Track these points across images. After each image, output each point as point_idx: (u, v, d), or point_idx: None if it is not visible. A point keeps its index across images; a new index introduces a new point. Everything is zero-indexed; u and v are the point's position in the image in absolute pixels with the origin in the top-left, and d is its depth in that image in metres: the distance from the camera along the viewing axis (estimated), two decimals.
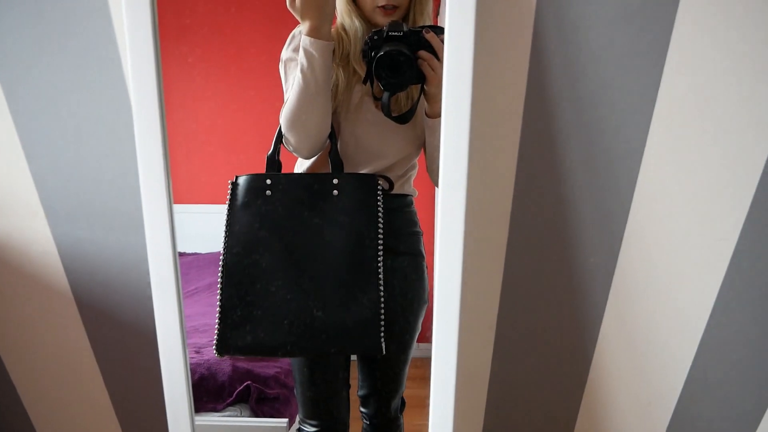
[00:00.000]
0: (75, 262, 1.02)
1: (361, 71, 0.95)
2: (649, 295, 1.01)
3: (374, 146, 0.98)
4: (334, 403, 1.10)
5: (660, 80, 0.84)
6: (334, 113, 0.97)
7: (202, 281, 1.34)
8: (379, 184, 0.93)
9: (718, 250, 0.94)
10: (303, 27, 0.86)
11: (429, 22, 0.96)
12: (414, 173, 1.06)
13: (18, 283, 1.05)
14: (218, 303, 0.92)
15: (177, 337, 0.89)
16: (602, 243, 0.96)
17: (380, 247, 0.91)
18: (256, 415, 1.34)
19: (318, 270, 0.91)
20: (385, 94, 0.90)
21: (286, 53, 0.94)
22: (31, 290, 1.06)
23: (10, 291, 1.06)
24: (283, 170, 0.97)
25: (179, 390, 0.91)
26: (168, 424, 0.94)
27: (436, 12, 2.13)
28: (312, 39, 0.85)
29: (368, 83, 0.92)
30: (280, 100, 0.91)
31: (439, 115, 0.90)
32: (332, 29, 1.00)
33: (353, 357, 1.15)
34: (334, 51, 0.95)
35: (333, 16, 0.86)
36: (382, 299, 0.90)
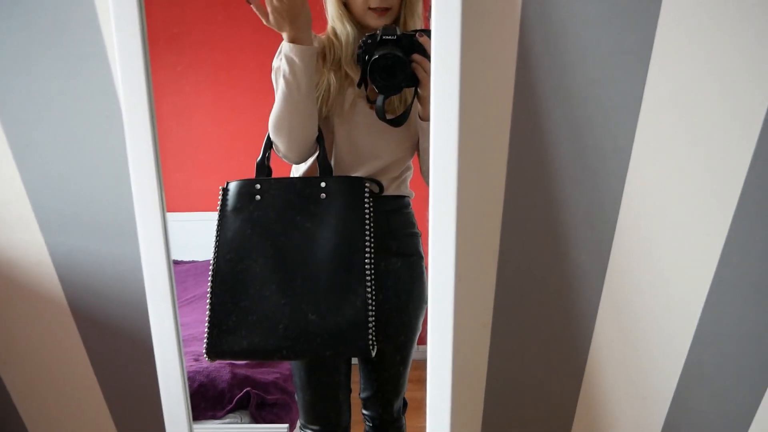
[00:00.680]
0: (70, 271, 1.02)
1: (354, 75, 0.96)
2: (642, 291, 1.01)
3: (368, 148, 0.99)
4: (334, 407, 1.10)
5: (646, 78, 0.85)
6: (327, 117, 0.97)
7: (199, 289, 1.33)
8: (366, 187, 0.93)
9: (709, 244, 0.95)
10: (283, 36, 0.87)
11: (420, 24, 0.97)
12: (410, 174, 1.07)
13: (12, 293, 1.05)
14: (209, 308, 0.92)
15: (173, 345, 0.90)
16: (594, 239, 0.97)
17: (368, 249, 0.91)
18: (257, 422, 1.34)
19: (310, 273, 0.91)
20: (380, 97, 0.90)
21: (276, 62, 0.94)
22: (26, 300, 1.06)
23: (4, 301, 1.06)
24: (279, 175, 0.98)
25: (176, 398, 0.91)
26: None
27: (427, 15, 2.15)
28: (291, 45, 0.85)
29: (362, 86, 0.93)
30: (271, 107, 0.92)
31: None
32: (323, 35, 1.01)
33: (354, 360, 1.15)
34: (324, 56, 0.97)
35: (311, 23, 0.87)
36: (371, 301, 0.90)
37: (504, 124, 0.91)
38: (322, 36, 1.01)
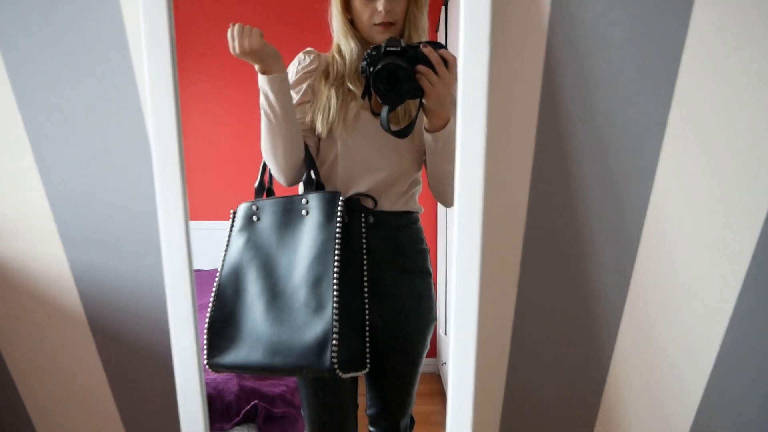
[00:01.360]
0: (89, 285, 1.02)
1: (357, 90, 0.98)
2: (663, 314, 1.00)
3: (371, 161, 0.99)
4: (340, 423, 1.09)
5: (671, 101, 0.85)
6: (330, 132, 0.98)
7: (206, 298, 1.34)
8: (340, 200, 0.93)
9: (732, 268, 0.94)
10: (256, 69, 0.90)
11: (425, 38, 0.98)
12: (418, 189, 1.07)
13: (32, 307, 1.05)
14: (207, 322, 0.97)
15: (193, 362, 0.89)
16: (616, 261, 0.97)
17: (336, 266, 0.91)
18: None
19: (290, 291, 0.93)
20: (384, 108, 0.91)
21: None
22: (45, 315, 1.05)
23: (24, 315, 1.05)
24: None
25: (196, 416, 0.91)
26: None
27: (435, 28, 2.16)
28: (262, 77, 0.89)
29: (366, 98, 0.93)
30: None
31: (437, 130, 0.92)
32: (328, 53, 1.02)
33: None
34: (328, 73, 0.99)
35: (277, 54, 0.90)
36: (336, 318, 0.89)
37: (528, 145, 0.91)
38: (327, 54, 1.02)
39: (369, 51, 0.90)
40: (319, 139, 1.02)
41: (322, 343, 0.89)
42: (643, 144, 0.88)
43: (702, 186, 0.90)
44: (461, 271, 0.84)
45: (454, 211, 0.84)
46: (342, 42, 1.00)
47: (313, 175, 0.97)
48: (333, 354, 0.88)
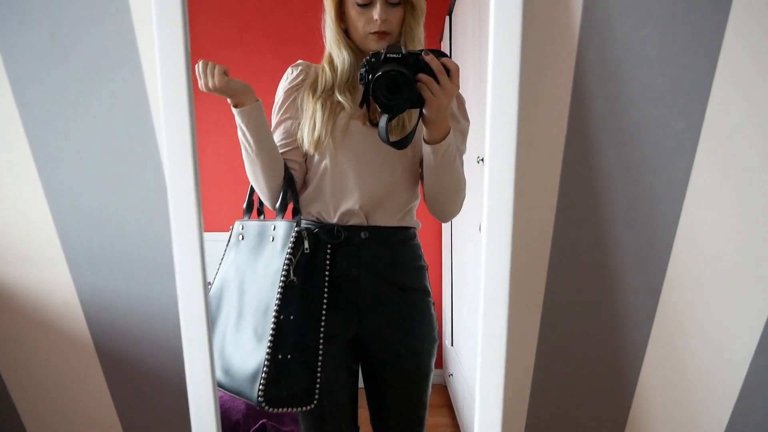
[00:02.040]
0: (96, 310, 0.98)
1: (346, 101, 0.94)
2: (690, 337, 0.98)
3: (362, 174, 0.96)
4: None
5: (703, 120, 0.83)
6: (318, 146, 0.96)
7: None
8: (296, 228, 0.91)
9: (761, 293, 0.92)
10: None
11: (421, 47, 0.95)
12: (415, 204, 1.04)
13: (37, 333, 1.01)
14: None
15: (209, 389, 0.86)
16: (644, 282, 0.94)
17: (278, 297, 0.89)
18: None
19: (248, 315, 0.93)
20: (383, 118, 0.87)
21: None
22: (51, 341, 1.01)
23: (29, 342, 1.01)
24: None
25: None
26: None
27: (439, 37, 2.14)
28: (234, 110, 0.89)
29: (365, 107, 0.90)
30: None
31: (437, 141, 0.90)
32: (319, 65, 1.00)
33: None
34: (315, 86, 0.97)
35: (246, 87, 0.89)
36: (268, 352, 0.88)
37: (556, 163, 0.88)
38: (318, 66, 1.00)
39: (368, 58, 0.86)
40: (306, 156, 1.00)
41: (254, 375, 0.89)
42: (673, 163, 0.86)
43: (732, 206, 0.88)
44: (488, 295, 0.81)
45: (483, 234, 0.81)
46: (334, 51, 0.97)
47: (289, 198, 0.96)
48: (260, 388, 0.87)
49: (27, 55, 0.84)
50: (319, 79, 0.98)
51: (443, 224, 2.26)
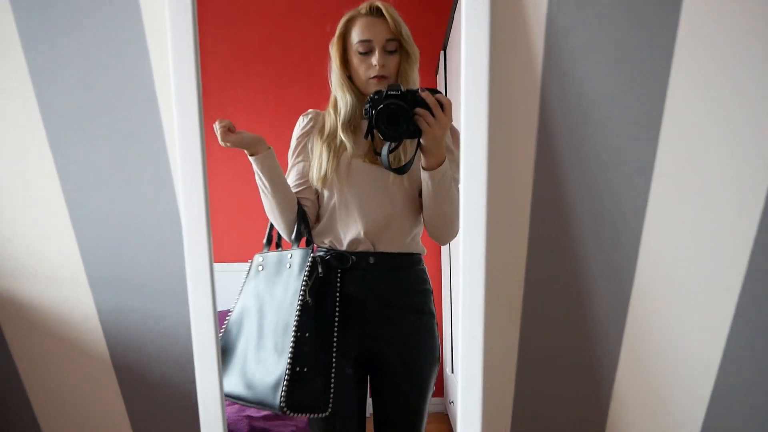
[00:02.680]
0: (115, 327, 1.08)
1: (348, 140, 1.06)
2: (659, 343, 1.05)
3: (365, 205, 1.07)
4: None
5: (657, 146, 0.93)
6: (325, 183, 1.08)
7: None
8: (311, 254, 1.03)
9: (724, 297, 1.00)
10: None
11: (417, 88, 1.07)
12: (419, 231, 1.13)
13: (59, 349, 1.10)
14: None
15: (217, 404, 0.94)
16: (613, 295, 1.03)
17: (297, 318, 0.99)
18: None
19: (268, 335, 1.03)
20: (385, 146, 0.99)
21: None
22: (71, 356, 1.10)
23: (51, 354, 1.10)
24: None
25: None
26: None
27: (435, 71, 2.26)
28: (249, 158, 1.01)
29: (369, 137, 1.01)
30: None
31: (433, 168, 1.01)
32: (324, 110, 1.12)
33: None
34: (323, 130, 1.10)
35: (258, 139, 1.02)
36: (289, 364, 0.98)
37: (526, 187, 0.98)
38: (324, 111, 1.11)
39: (372, 95, 0.98)
40: (318, 193, 1.11)
41: (276, 384, 0.98)
42: (633, 184, 0.95)
43: (689, 221, 0.97)
44: (467, 308, 0.89)
45: (459, 253, 0.90)
46: (339, 94, 1.09)
47: (303, 230, 1.08)
48: (282, 395, 0.97)
49: (60, 100, 0.95)
50: (325, 123, 1.11)
51: (443, 252, 2.32)
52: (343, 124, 1.07)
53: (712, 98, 0.89)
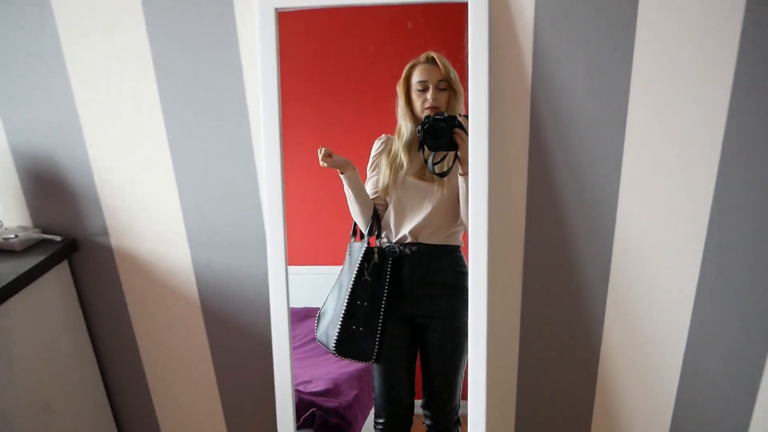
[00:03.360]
0: (204, 277, 1.36)
1: (406, 160, 1.36)
2: (638, 300, 1.26)
3: (413, 210, 1.39)
4: (399, 401, 1.47)
5: (624, 136, 1.17)
6: (387, 192, 1.39)
7: (297, 330, 1.63)
8: (366, 245, 1.37)
9: (689, 259, 1.22)
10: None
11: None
12: (458, 230, 1.40)
13: (160, 294, 1.38)
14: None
15: (286, 340, 1.24)
16: (596, 259, 1.26)
17: (349, 289, 1.35)
18: None
19: (341, 300, 1.38)
20: (430, 156, 1.29)
21: None
22: (169, 300, 1.38)
23: (154, 299, 1.39)
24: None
25: (286, 386, 1.29)
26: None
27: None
28: (341, 176, 1.34)
29: (421, 150, 1.31)
30: None
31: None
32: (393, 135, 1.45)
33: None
34: (390, 150, 1.40)
35: (347, 161, 1.33)
36: (342, 320, 1.35)
37: (522, 170, 1.24)
38: (393, 136, 1.43)
39: (423, 120, 1.30)
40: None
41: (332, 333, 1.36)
42: (606, 164, 1.19)
43: (655, 197, 1.20)
44: (474, 276, 1.20)
45: (469, 248, 1.21)
46: (402, 123, 1.39)
47: (374, 227, 1.41)
48: (334, 340, 1.34)
49: (180, 100, 1.24)
50: (393, 146, 1.42)
51: None
52: (404, 146, 1.37)
53: (667, 90, 1.12)
